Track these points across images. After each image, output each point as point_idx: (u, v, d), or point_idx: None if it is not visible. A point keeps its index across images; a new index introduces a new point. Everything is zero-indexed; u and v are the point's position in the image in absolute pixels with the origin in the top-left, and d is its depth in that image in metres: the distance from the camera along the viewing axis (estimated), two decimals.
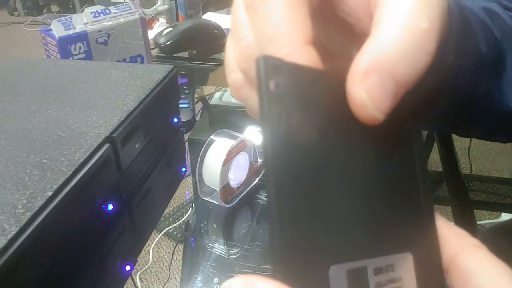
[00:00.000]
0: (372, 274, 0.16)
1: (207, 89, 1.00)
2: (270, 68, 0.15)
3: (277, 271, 0.15)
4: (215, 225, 0.72)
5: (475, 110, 0.35)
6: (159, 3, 1.39)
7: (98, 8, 0.99)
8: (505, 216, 1.61)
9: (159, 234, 1.52)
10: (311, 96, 0.16)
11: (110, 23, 0.98)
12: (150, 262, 1.46)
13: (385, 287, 0.17)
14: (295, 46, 0.17)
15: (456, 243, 0.18)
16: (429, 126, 0.38)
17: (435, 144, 1.12)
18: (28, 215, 0.33)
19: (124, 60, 1.02)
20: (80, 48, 0.94)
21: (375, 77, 0.16)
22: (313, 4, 0.19)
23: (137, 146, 0.50)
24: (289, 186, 0.15)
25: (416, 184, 0.18)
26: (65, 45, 0.92)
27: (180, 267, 1.14)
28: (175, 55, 1.14)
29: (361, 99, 0.16)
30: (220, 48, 1.08)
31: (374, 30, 0.16)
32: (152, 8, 1.38)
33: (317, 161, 0.16)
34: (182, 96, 0.91)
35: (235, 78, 0.21)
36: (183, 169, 0.67)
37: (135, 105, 0.49)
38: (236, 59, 0.20)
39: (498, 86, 0.34)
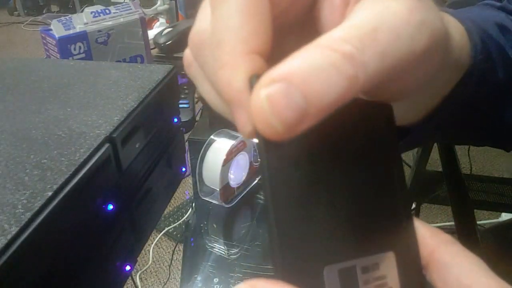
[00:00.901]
0: (361, 272, 0.18)
1: None
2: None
3: (278, 272, 0.16)
4: (215, 225, 0.72)
5: (485, 127, 0.35)
6: (159, 3, 1.39)
7: (98, 8, 0.99)
8: (505, 216, 1.61)
9: (159, 234, 1.52)
10: None
11: (110, 23, 0.98)
12: (150, 262, 1.46)
13: (372, 284, 0.18)
14: (236, 56, 0.16)
15: (432, 240, 0.19)
16: (432, 140, 0.38)
17: (435, 144, 1.12)
18: (28, 215, 0.33)
19: (124, 60, 1.02)
20: (80, 48, 0.94)
21: (281, 86, 0.15)
22: (277, 12, 0.18)
23: (137, 146, 0.50)
24: (284, 198, 0.17)
25: (394, 190, 0.20)
26: (65, 45, 0.92)
27: (180, 267, 1.14)
28: (175, 55, 1.15)
29: (259, 101, 0.15)
30: None
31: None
32: (152, 8, 1.38)
33: (307, 173, 0.18)
34: (182, 96, 0.91)
35: (187, 53, 0.20)
36: (183, 169, 0.67)
37: (135, 105, 0.49)
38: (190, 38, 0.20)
39: (510, 103, 0.34)
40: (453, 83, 0.28)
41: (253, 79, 0.16)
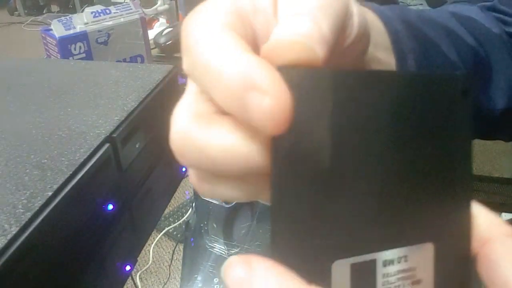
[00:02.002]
0: (381, 265, 0.16)
1: None
2: (282, 76, 0.15)
3: (276, 255, 0.15)
4: (215, 225, 0.72)
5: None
6: (159, 3, 1.39)
7: (98, 8, 0.99)
8: (505, 216, 1.61)
9: (159, 234, 1.52)
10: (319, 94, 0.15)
11: (110, 23, 0.98)
12: (150, 262, 1.46)
13: (394, 276, 0.16)
14: (232, 55, 0.16)
15: (488, 230, 0.17)
16: None
17: None
18: (28, 215, 0.33)
19: (124, 60, 1.02)
20: (80, 48, 0.94)
21: (304, 17, 0.16)
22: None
23: (137, 146, 0.50)
24: (293, 170, 0.15)
25: (451, 170, 0.17)
26: (65, 45, 0.92)
27: (180, 267, 1.14)
28: (175, 55, 1.15)
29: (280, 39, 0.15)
30: None
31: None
32: (152, 8, 1.38)
33: (327, 145, 0.15)
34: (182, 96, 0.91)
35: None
36: (183, 169, 0.67)
37: (135, 105, 0.49)
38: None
39: (484, 92, 0.34)
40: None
41: (282, 68, 0.15)
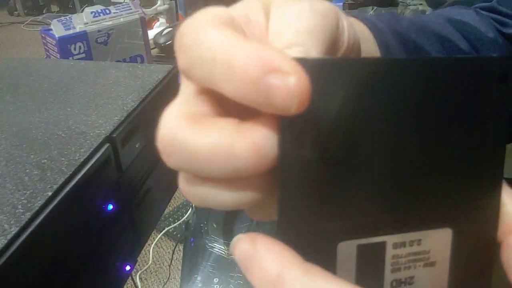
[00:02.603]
0: (391, 247, 0.16)
1: None
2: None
3: (280, 233, 0.15)
4: (215, 225, 0.72)
5: None
6: (159, 3, 1.39)
7: (98, 8, 0.99)
8: None
9: (159, 234, 1.52)
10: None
11: (110, 23, 0.98)
12: (150, 262, 1.46)
13: (405, 258, 0.16)
14: (240, 42, 0.15)
15: None
16: None
17: None
18: (28, 215, 0.33)
19: (124, 60, 1.02)
20: (80, 48, 0.94)
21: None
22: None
23: (137, 146, 0.50)
24: (302, 154, 0.14)
25: (481, 153, 0.16)
26: (65, 45, 0.92)
27: (180, 267, 1.14)
28: (175, 55, 1.15)
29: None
30: None
31: None
32: (152, 8, 1.38)
33: (344, 136, 0.15)
34: None
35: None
36: None
37: (135, 105, 0.49)
38: None
39: None
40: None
41: (300, 60, 0.15)
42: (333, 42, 0.19)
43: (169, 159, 0.18)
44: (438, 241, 0.16)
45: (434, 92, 0.16)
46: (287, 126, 0.14)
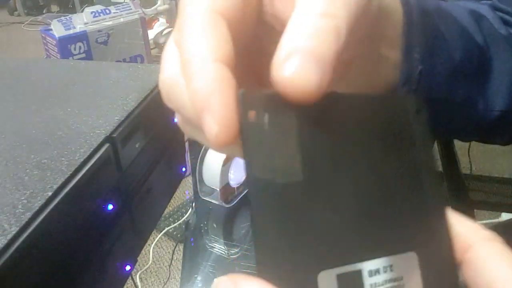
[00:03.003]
0: (367, 275, 0.16)
1: None
2: (248, 101, 0.16)
3: (261, 270, 0.15)
4: (215, 225, 0.72)
5: (457, 118, 0.35)
6: (159, 3, 1.39)
7: (98, 8, 0.99)
8: (505, 216, 1.61)
9: (159, 234, 1.52)
10: (287, 120, 0.17)
11: (110, 23, 0.98)
12: (150, 262, 1.46)
13: (383, 286, 0.16)
14: (204, 64, 0.17)
15: (469, 237, 0.17)
16: None
17: (435, 144, 1.12)
18: (28, 215, 0.33)
19: (124, 60, 1.02)
20: (80, 48, 0.94)
21: (294, 58, 0.17)
22: (233, 28, 0.20)
23: (137, 146, 0.50)
24: (269, 189, 0.16)
25: (421, 180, 0.18)
26: (65, 45, 0.92)
27: (180, 267, 1.14)
28: None
29: (283, 78, 0.16)
30: None
31: (288, 22, 0.18)
32: (152, 8, 1.38)
33: (306, 165, 0.16)
34: None
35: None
36: (183, 169, 0.67)
37: (135, 105, 0.49)
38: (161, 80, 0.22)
39: (482, 94, 0.34)
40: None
41: (240, 95, 0.17)
42: (363, 13, 0.20)
43: (169, 102, 0.20)
44: (408, 266, 0.17)
45: (371, 125, 0.18)
46: (252, 157, 0.16)
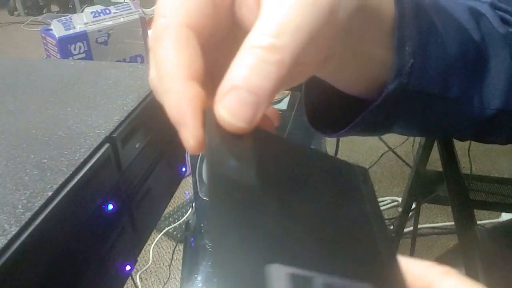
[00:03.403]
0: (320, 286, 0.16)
1: None
2: (210, 117, 0.18)
3: (213, 260, 0.15)
4: None
5: (451, 114, 0.34)
6: None
7: (98, 8, 0.99)
8: (505, 216, 1.61)
9: (159, 234, 1.52)
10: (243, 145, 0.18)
11: (110, 23, 0.98)
12: (150, 262, 1.46)
13: None
14: (177, 83, 0.20)
15: (427, 275, 0.18)
16: (403, 131, 0.38)
17: (435, 144, 1.12)
18: (28, 215, 0.33)
19: (124, 60, 1.02)
20: (80, 48, 0.94)
21: (232, 93, 0.19)
22: (205, 36, 0.22)
23: (137, 146, 0.50)
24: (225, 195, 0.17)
25: (369, 227, 0.19)
26: (65, 45, 0.92)
27: (180, 267, 1.14)
28: None
29: (220, 115, 0.19)
30: None
31: (238, 52, 0.20)
32: (152, 8, 1.38)
33: (258, 173, 0.18)
34: None
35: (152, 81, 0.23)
36: (183, 169, 0.67)
37: (135, 105, 0.49)
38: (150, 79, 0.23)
39: (478, 91, 0.33)
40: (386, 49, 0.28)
41: (207, 112, 0.19)
42: (321, 30, 0.21)
43: (157, 98, 0.22)
44: None
45: (323, 182, 0.20)
46: (213, 162, 0.18)
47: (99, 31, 0.97)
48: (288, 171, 0.19)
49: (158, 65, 0.21)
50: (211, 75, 0.24)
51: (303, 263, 0.16)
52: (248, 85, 0.19)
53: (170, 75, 0.20)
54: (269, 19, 0.20)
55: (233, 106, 0.19)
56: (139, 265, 1.45)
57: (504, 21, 0.35)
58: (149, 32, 1.13)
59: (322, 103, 0.35)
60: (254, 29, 0.20)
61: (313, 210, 0.18)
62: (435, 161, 1.39)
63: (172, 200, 1.52)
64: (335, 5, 0.21)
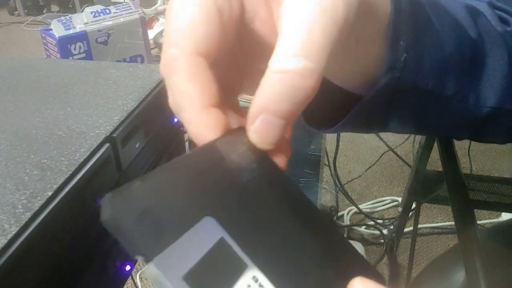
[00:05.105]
0: (250, 278, 0.16)
1: None
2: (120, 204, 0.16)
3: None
4: None
5: (446, 112, 0.34)
6: (159, 3, 1.39)
7: (98, 8, 0.99)
8: (505, 216, 1.61)
9: None
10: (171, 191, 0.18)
11: (110, 23, 0.98)
12: None
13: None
14: (195, 115, 0.21)
15: None
16: (400, 129, 0.37)
17: (435, 144, 1.12)
18: (28, 215, 0.33)
19: (124, 60, 1.02)
20: (80, 48, 0.94)
21: (261, 118, 0.20)
22: (214, 57, 0.22)
23: (137, 146, 0.50)
24: None
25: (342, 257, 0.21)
26: (65, 45, 0.92)
27: None
28: None
29: (252, 139, 0.21)
30: None
31: (263, 77, 0.20)
32: (152, 8, 1.38)
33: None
34: None
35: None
36: None
37: (135, 105, 0.49)
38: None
39: (473, 89, 0.33)
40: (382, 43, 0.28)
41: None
42: (336, 46, 0.21)
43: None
44: None
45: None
46: None
47: (99, 31, 0.97)
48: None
49: (174, 97, 0.22)
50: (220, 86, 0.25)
51: (246, 244, 0.17)
52: (276, 109, 0.20)
53: (187, 108, 0.21)
54: (292, 39, 0.20)
55: (262, 130, 0.20)
56: (139, 265, 1.45)
57: (502, 20, 0.35)
58: (149, 32, 1.13)
59: (318, 98, 0.35)
60: (279, 50, 0.20)
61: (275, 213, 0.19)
62: (435, 161, 1.39)
63: None
64: (349, 13, 0.21)
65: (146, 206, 0.16)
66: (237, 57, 0.26)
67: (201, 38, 0.21)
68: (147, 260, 0.14)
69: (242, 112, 0.25)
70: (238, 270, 0.16)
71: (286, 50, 0.19)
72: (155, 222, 0.15)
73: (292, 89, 0.19)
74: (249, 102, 0.20)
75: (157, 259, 0.14)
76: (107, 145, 0.43)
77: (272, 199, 0.20)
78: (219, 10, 0.21)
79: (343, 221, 1.66)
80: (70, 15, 0.98)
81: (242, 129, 0.22)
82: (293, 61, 0.19)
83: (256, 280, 0.16)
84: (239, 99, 0.28)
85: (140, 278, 1.43)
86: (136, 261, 0.52)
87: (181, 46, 0.21)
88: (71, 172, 0.38)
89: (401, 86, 0.29)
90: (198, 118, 0.21)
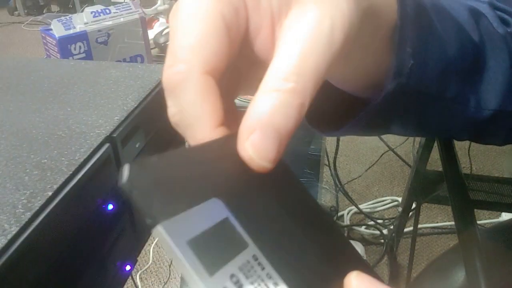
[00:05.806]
0: (252, 258, 0.17)
1: None
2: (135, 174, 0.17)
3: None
4: None
5: (448, 114, 0.34)
6: (159, 3, 1.39)
7: (98, 8, 0.99)
8: (505, 216, 1.61)
9: None
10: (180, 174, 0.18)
11: (110, 23, 0.98)
12: (150, 262, 1.46)
13: (254, 276, 0.17)
14: (206, 134, 0.21)
15: None
16: (402, 131, 0.37)
17: (435, 144, 1.12)
18: (28, 215, 0.33)
19: (124, 60, 1.02)
20: (80, 47, 0.94)
21: (258, 131, 0.19)
22: (221, 74, 0.22)
23: (137, 146, 0.50)
24: None
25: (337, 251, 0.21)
26: (65, 45, 0.92)
27: None
28: None
29: (246, 153, 0.19)
30: None
31: (257, 91, 0.20)
32: (152, 8, 1.38)
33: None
34: None
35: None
36: None
37: (135, 105, 0.49)
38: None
39: (475, 91, 0.33)
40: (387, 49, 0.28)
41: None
42: (337, 56, 0.21)
43: (179, 131, 0.23)
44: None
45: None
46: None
47: (99, 31, 0.97)
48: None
49: (181, 114, 0.22)
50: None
51: (249, 224, 0.18)
52: (272, 124, 0.20)
53: (198, 129, 0.21)
54: (286, 58, 0.20)
55: (259, 143, 0.19)
56: (139, 265, 1.45)
57: (502, 21, 0.35)
58: (149, 32, 1.13)
59: (321, 101, 0.35)
60: (272, 69, 0.20)
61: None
62: (435, 161, 1.39)
63: None
64: (349, 30, 0.21)
65: (161, 176, 0.17)
66: (235, 63, 0.26)
67: (211, 56, 0.21)
68: (157, 221, 0.15)
69: (239, 114, 0.25)
70: (239, 246, 0.17)
71: (278, 74, 0.20)
72: (167, 192, 0.16)
73: (286, 107, 0.20)
74: (248, 102, 0.20)
75: (165, 223, 0.15)
76: (107, 145, 0.43)
77: (278, 192, 0.21)
78: (227, 26, 0.21)
79: (343, 221, 1.66)
80: (70, 15, 0.98)
81: None
82: (287, 84, 0.20)
83: (256, 259, 0.17)
84: (238, 98, 0.28)
85: (140, 278, 1.43)
86: (136, 261, 0.52)
87: (190, 62, 0.21)
88: (71, 172, 0.38)
89: (406, 91, 0.29)
90: (212, 137, 0.21)
